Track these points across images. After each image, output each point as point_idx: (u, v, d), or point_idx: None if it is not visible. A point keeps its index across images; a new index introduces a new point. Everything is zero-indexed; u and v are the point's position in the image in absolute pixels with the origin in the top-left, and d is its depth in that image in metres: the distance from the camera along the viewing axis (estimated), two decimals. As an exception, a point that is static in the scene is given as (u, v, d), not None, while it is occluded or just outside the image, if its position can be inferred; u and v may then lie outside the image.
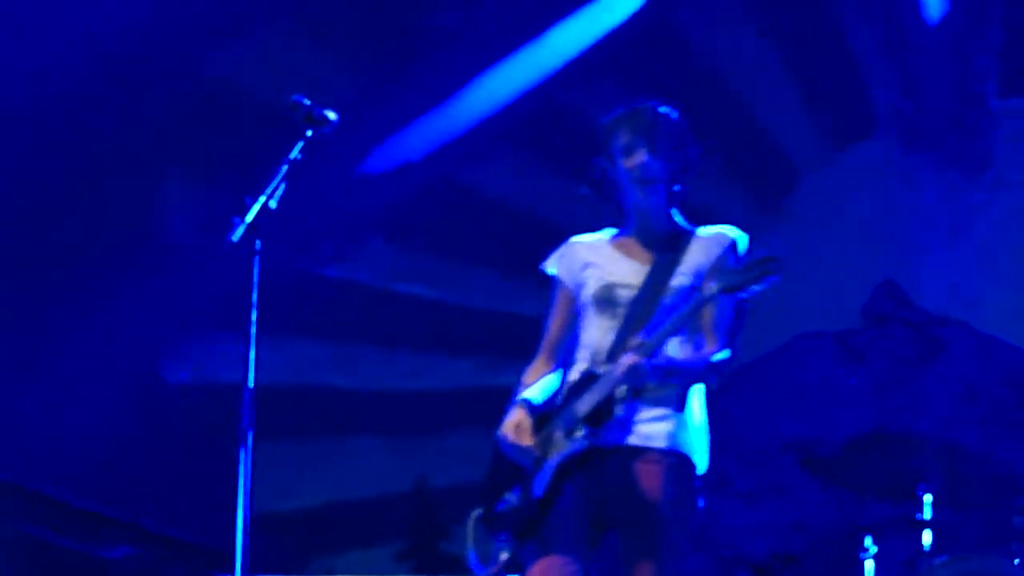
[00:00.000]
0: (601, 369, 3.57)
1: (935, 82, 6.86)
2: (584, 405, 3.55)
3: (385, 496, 6.89)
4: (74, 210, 6.84)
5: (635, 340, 3.54)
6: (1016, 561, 5.07)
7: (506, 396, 3.88)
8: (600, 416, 3.56)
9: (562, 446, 3.59)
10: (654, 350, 3.51)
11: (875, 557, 5.30)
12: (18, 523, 6.05)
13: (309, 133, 3.58)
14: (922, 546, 5.30)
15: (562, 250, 3.77)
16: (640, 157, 3.62)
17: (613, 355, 3.58)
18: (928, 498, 5.29)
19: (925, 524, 5.28)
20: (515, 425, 3.60)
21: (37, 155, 6.80)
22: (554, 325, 3.81)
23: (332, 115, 3.57)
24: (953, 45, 6.84)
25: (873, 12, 6.79)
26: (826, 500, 6.45)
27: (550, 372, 3.76)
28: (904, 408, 6.68)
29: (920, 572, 5.27)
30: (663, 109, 3.72)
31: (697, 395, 3.72)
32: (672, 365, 3.60)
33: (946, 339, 6.77)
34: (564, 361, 3.78)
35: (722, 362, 3.61)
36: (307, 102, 3.58)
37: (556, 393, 3.75)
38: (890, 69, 6.85)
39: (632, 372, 3.50)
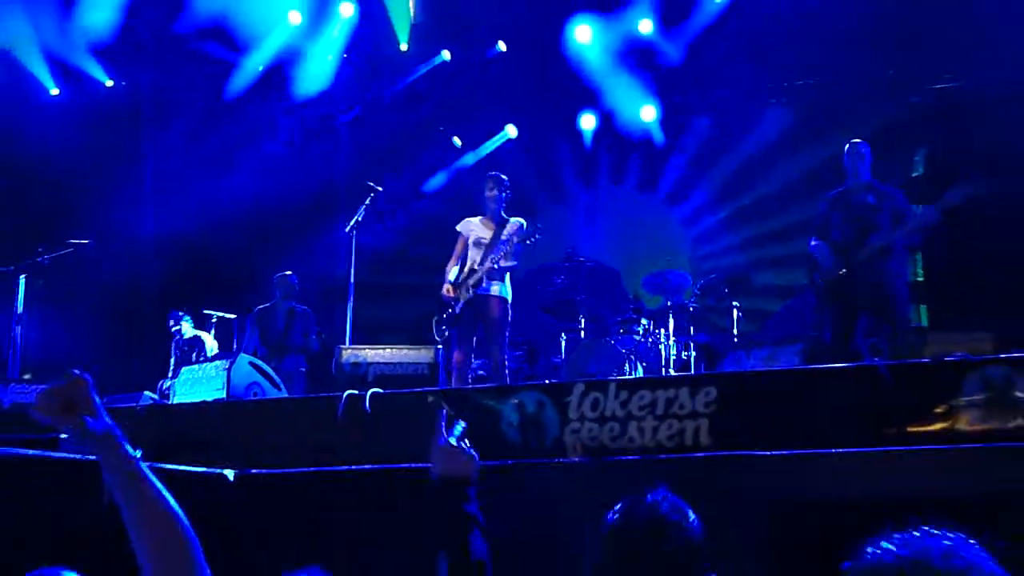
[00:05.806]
0: (476, 268, 6.73)
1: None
2: (471, 280, 6.71)
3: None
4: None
5: (486, 259, 6.58)
6: (620, 337, 7.90)
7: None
8: (476, 284, 6.82)
9: (465, 296, 6.84)
10: (490, 265, 6.52)
11: (558, 338, 8.94)
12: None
13: (372, 195, 7.55)
14: (579, 335, 8.79)
15: (463, 222, 7.05)
16: (492, 192, 7.12)
17: (481, 263, 6.80)
18: (582, 319, 9.01)
19: (581, 329, 8.81)
20: (447, 289, 6.91)
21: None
22: (457, 249, 7.04)
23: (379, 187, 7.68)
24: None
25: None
26: (551, 322, 9.69)
27: (456, 266, 6.97)
28: (572, 293, 9.73)
29: (577, 345, 8.46)
30: (500, 174, 7.04)
31: (507, 276, 6.94)
32: (496, 270, 6.67)
33: (588, 267, 9.87)
34: (461, 262, 6.92)
35: (513, 266, 6.92)
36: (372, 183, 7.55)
37: (459, 274, 6.85)
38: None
39: (481, 272, 6.59)
